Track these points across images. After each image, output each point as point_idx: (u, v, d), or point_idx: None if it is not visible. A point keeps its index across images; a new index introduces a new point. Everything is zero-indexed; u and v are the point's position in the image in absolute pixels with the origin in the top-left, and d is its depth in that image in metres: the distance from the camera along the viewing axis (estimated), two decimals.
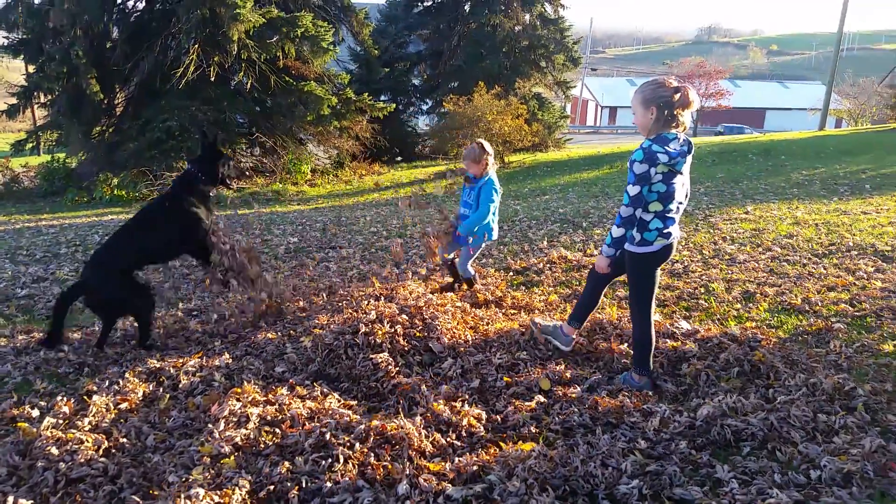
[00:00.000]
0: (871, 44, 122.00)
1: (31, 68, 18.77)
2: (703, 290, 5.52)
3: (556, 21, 28.02)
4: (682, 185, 3.57)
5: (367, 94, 19.78)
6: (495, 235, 5.48)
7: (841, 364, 3.88)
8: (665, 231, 3.55)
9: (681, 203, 3.61)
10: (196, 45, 15.93)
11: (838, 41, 30.62)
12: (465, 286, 5.62)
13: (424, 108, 29.58)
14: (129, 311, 4.68)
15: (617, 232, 3.57)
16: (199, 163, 4.99)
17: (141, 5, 18.34)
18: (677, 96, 3.39)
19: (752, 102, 59.91)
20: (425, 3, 28.77)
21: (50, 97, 17.66)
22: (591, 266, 6.34)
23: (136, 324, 4.72)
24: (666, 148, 3.39)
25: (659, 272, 3.75)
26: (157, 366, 4.08)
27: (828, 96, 31.08)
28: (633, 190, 3.44)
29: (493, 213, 5.32)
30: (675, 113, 3.41)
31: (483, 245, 5.63)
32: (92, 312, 4.96)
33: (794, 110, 56.81)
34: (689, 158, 3.54)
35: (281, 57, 17.12)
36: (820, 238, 7.10)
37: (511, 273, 6.37)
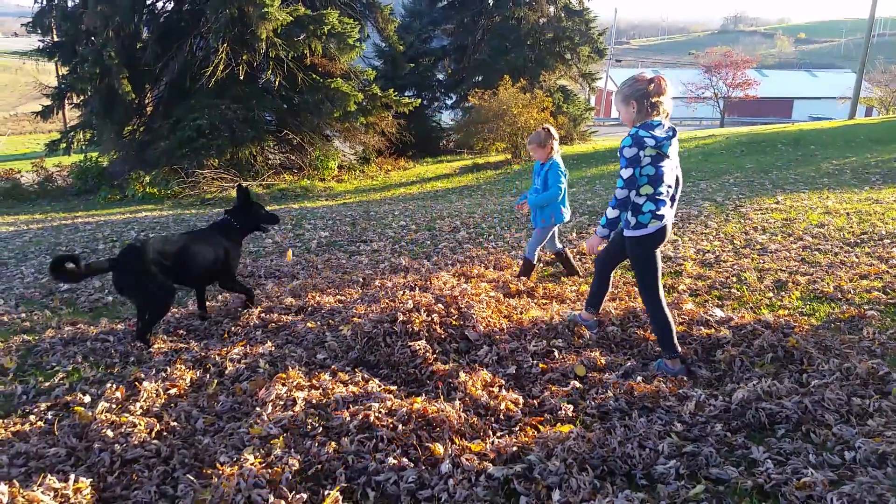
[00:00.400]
0: None
1: (65, 70, 19.19)
2: (735, 279, 5.54)
3: (581, 12, 27.86)
4: (671, 168, 3.75)
5: (392, 89, 19.92)
6: (567, 217, 5.66)
7: (874, 350, 3.90)
8: (658, 213, 3.72)
9: (670, 186, 3.78)
10: (225, 45, 16.16)
11: (870, 27, 30.08)
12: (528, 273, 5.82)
13: (449, 102, 29.61)
14: (147, 300, 4.72)
15: (612, 213, 3.76)
16: (234, 212, 5.43)
17: (170, 6, 18.64)
18: (652, 86, 3.64)
19: (779, 92, 59.01)
20: None
21: (83, 98, 18.04)
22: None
23: (147, 314, 4.78)
24: (652, 133, 3.60)
25: (659, 254, 3.88)
26: (203, 354, 4.22)
27: (858, 84, 30.57)
28: (625, 173, 3.64)
29: (563, 196, 5.54)
30: (654, 101, 3.65)
31: (555, 228, 5.74)
32: (118, 293, 5.33)
33: (823, 99, 55.87)
34: (675, 142, 3.76)
35: (308, 54, 17.31)
36: (851, 227, 7.07)
37: (542, 264, 6.43)
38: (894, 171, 11.33)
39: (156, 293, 4.69)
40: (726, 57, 45.83)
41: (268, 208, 6.06)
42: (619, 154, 3.66)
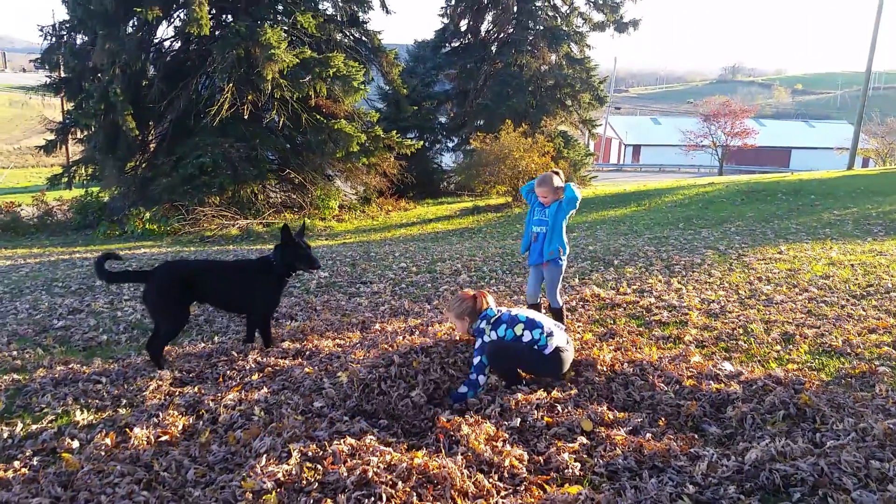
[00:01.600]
0: None
1: (70, 105, 19.32)
2: (741, 330, 5.44)
3: (582, 61, 28.28)
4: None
5: (394, 131, 20.06)
6: (568, 249, 5.55)
7: (888, 408, 3.78)
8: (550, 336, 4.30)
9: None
10: (231, 84, 16.31)
11: (867, 79, 30.49)
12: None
13: (451, 145, 29.85)
14: (159, 316, 4.98)
15: (462, 390, 4.17)
16: (275, 250, 5.24)
17: (177, 45, 18.87)
18: (476, 302, 4.41)
19: (777, 142, 59.58)
20: (453, 44, 29.22)
21: (87, 133, 18.17)
22: (621, 304, 6.31)
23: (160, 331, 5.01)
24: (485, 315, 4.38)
25: None
26: (196, 398, 4.10)
27: (856, 135, 30.86)
28: (476, 360, 4.23)
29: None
30: (477, 312, 4.40)
31: (565, 263, 5.54)
32: (143, 305, 5.56)
33: (819, 149, 56.38)
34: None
35: (313, 95, 17.47)
36: (857, 279, 6.99)
37: (544, 311, 6.32)
38: None
39: (167, 313, 4.92)
40: (725, 106, 46.40)
41: (268, 247, 6.03)
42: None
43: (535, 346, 4.22)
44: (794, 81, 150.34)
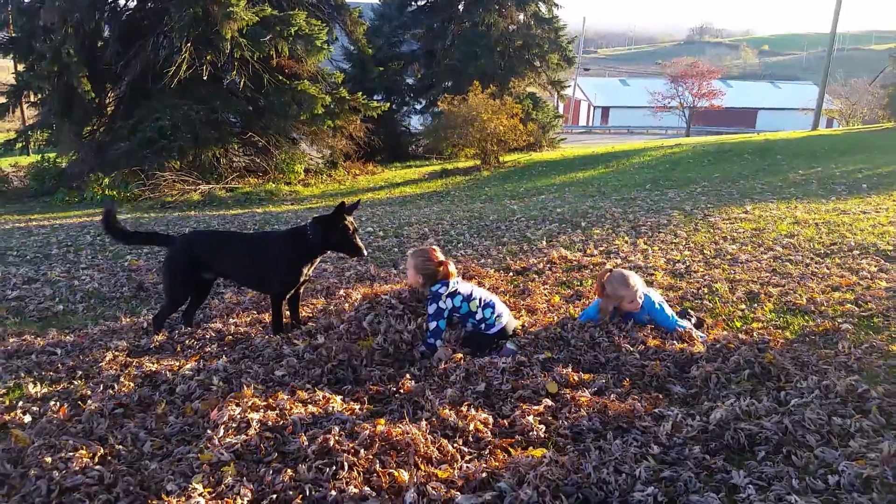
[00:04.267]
0: (861, 44, 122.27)
1: (21, 67, 18.59)
2: (706, 290, 5.45)
3: (551, 20, 27.99)
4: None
5: (360, 93, 19.69)
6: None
7: (851, 365, 3.81)
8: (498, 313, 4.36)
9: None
10: (188, 44, 15.79)
11: (832, 41, 30.69)
12: None
13: (418, 107, 29.45)
14: (165, 286, 5.03)
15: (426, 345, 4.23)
16: (315, 222, 4.57)
17: (133, 3, 18.20)
18: (440, 271, 4.34)
19: (744, 102, 59.97)
20: (419, 3, 28.69)
21: (40, 96, 17.52)
22: (588, 265, 6.29)
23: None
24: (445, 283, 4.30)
25: None
26: (154, 369, 3.98)
27: (821, 96, 31.16)
28: (432, 325, 4.23)
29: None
30: (438, 279, 4.33)
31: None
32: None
33: (785, 110, 56.90)
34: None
35: (274, 56, 17.02)
36: (821, 237, 7.05)
37: (511, 273, 6.28)
38: (859, 183, 11.44)
39: (172, 283, 4.89)
40: (692, 67, 46.51)
41: (231, 213, 5.78)
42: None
43: (482, 325, 4.31)
44: (762, 42, 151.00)
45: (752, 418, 3.18)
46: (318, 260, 4.91)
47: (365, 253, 4.71)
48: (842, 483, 2.67)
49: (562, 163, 20.78)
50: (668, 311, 4.46)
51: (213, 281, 5.16)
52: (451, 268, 4.41)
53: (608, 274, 4.48)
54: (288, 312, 4.83)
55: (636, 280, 4.44)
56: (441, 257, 4.43)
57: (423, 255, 4.44)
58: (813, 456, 2.89)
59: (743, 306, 5.04)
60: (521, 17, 28.03)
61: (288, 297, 4.78)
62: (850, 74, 45.83)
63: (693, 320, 4.59)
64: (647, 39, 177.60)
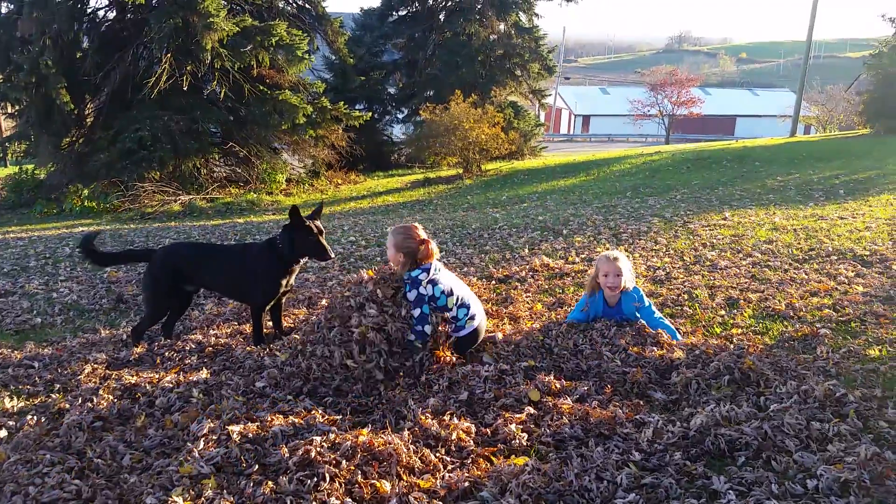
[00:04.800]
0: (836, 52, 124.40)
1: None
2: (686, 296, 5.49)
3: (531, 30, 28.13)
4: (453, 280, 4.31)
5: (342, 102, 19.72)
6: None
7: (829, 370, 3.86)
8: (471, 314, 4.22)
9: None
10: (168, 55, 15.74)
11: (808, 49, 31.15)
12: None
13: (400, 116, 29.48)
14: (145, 300, 5.00)
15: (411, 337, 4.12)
16: (283, 232, 4.60)
17: (112, 14, 18.10)
18: (421, 250, 4.17)
19: (722, 110, 60.58)
20: (400, 12, 28.73)
21: (18, 107, 17.34)
22: (570, 273, 6.32)
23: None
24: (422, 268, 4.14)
25: None
26: (133, 381, 3.94)
27: (798, 103, 31.58)
28: (416, 312, 4.10)
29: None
30: (418, 260, 4.17)
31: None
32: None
33: (763, 117, 57.58)
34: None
35: (255, 66, 16.99)
36: (799, 243, 7.13)
37: (493, 282, 6.29)
38: (836, 188, 11.59)
39: (152, 296, 4.85)
40: (671, 75, 47.00)
41: (212, 223, 5.75)
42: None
43: (453, 324, 4.22)
44: (739, 50, 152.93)
45: (732, 424, 3.20)
46: (298, 269, 4.86)
47: (331, 255, 4.62)
48: (820, 487, 2.69)
49: (543, 171, 20.87)
50: (656, 311, 4.50)
51: (193, 293, 5.13)
52: (433, 247, 4.24)
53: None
54: (270, 322, 4.82)
55: (624, 261, 4.51)
56: (423, 235, 4.24)
57: (403, 231, 4.25)
58: (792, 461, 2.91)
59: (723, 312, 5.08)
60: (502, 26, 28.16)
61: (270, 307, 4.77)
62: (827, 81, 46.44)
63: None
64: (627, 48, 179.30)
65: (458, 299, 4.19)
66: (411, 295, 4.09)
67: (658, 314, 4.59)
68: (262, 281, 4.61)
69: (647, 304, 4.51)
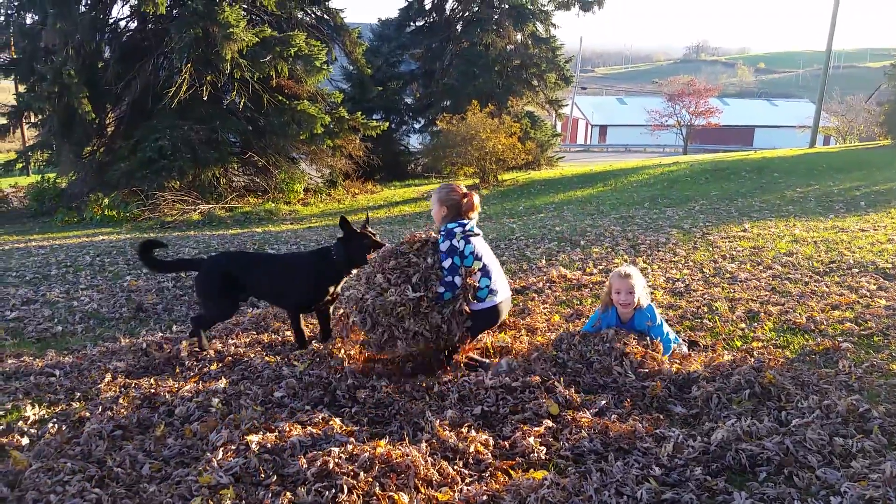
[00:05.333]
0: (856, 62, 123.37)
1: (23, 88, 18.70)
2: (706, 309, 5.45)
3: (548, 40, 28.15)
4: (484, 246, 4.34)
5: (359, 112, 19.78)
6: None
7: (852, 385, 3.81)
8: (493, 287, 4.24)
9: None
10: (189, 65, 15.90)
11: (827, 59, 30.92)
12: None
13: (417, 126, 29.53)
14: (202, 306, 5.13)
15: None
16: (338, 242, 4.77)
17: (133, 25, 18.33)
18: (465, 201, 4.30)
19: (741, 120, 60.25)
20: (417, 23, 28.85)
21: (41, 117, 17.59)
22: (588, 284, 6.29)
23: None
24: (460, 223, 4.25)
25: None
26: (153, 390, 3.97)
27: (818, 114, 31.32)
28: (446, 263, 4.14)
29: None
30: (461, 213, 4.29)
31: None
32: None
33: (782, 128, 57.16)
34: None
35: (274, 76, 17.11)
36: (820, 256, 7.06)
37: (510, 292, 6.27)
38: (857, 200, 11.48)
39: (208, 303, 5.00)
40: (689, 86, 46.79)
41: (231, 232, 5.85)
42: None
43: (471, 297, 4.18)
44: (757, 60, 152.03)
45: (753, 439, 3.17)
46: (345, 280, 4.95)
47: (387, 244, 4.64)
48: None
49: (560, 181, 20.84)
50: (667, 328, 4.47)
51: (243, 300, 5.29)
52: (476, 200, 4.37)
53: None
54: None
55: (637, 278, 4.46)
56: (465, 190, 4.39)
57: (447, 186, 4.44)
58: (815, 477, 2.88)
59: (743, 325, 5.04)
60: (519, 36, 28.21)
61: (317, 311, 5.02)
62: (846, 92, 46.08)
63: (685, 345, 4.57)
64: (644, 58, 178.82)
65: (484, 267, 4.23)
66: (444, 245, 4.16)
67: (670, 333, 4.51)
68: (312, 285, 4.80)
69: (658, 322, 4.46)
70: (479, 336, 4.50)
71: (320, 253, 4.92)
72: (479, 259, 4.21)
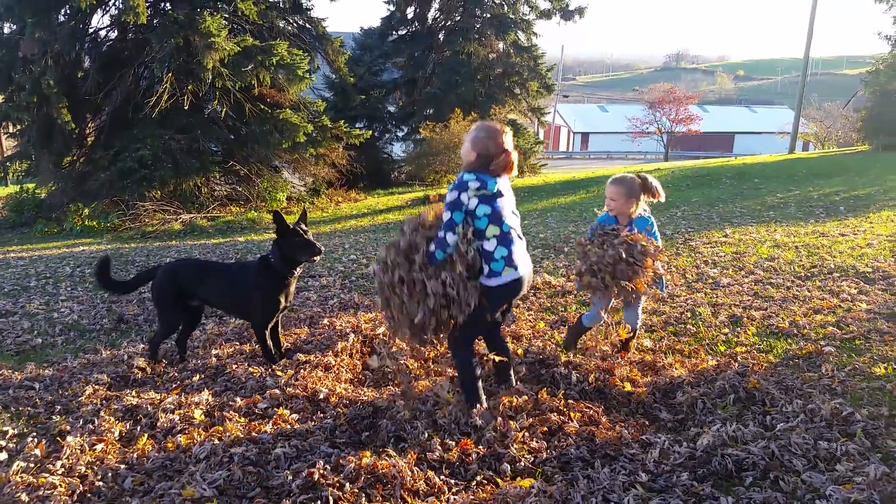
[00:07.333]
0: (833, 69, 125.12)
1: (0, 98, 18.47)
2: (689, 314, 5.47)
3: (530, 49, 28.30)
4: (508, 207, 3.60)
5: (342, 121, 19.72)
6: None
7: (835, 388, 3.83)
8: (511, 259, 3.53)
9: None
10: (170, 74, 15.79)
11: (805, 66, 31.29)
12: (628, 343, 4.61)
13: (400, 134, 29.54)
14: (159, 318, 4.95)
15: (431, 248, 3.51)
16: (273, 246, 4.50)
17: (113, 34, 18.17)
18: (494, 141, 3.52)
19: (721, 127, 60.81)
20: (400, 32, 28.90)
21: (20, 127, 17.38)
22: (572, 291, 6.29)
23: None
24: (478, 175, 3.48)
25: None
26: (134, 403, 3.91)
27: (797, 120, 31.68)
28: (445, 216, 3.47)
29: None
30: (490, 169, 3.51)
31: None
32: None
33: (762, 134, 57.75)
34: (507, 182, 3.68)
35: (256, 85, 17.03)
36: (801, 260, 7.12)
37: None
38: (836, 205, 11.61)
39: (163, 313, 4.85)
40: (669, 93, 47.12)
41: (213, 242, 5.73)
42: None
43: (482, 263, 3.53)
44: (737, 68, 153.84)
45: (738, 443, 3.18)
46: (294, 282, 4.67)
47: (320, 248, 4.40)
48: None
49: (543, 188, 20.89)
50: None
51: (201, 308, 5.11)
52: (514, 160, 3.60)
53: None
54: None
55: (626, 186, 4.33)
56: (509, 145, 3.59)
57: (488, 129, 3.61)
58: (800, 481, 2.89)
59: (726, 330, 5.07)
60: (501, 45, 28.35)
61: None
62: (825, 98, 46.71)
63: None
64: (625, 66, 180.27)
65: (502, 235, 3.52)
66: (451, 195, 3.46)
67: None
68: (260, 299, 4.50)
69: (654, 232, 4.44)
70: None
71: (262, 259, 4.58)
72: (497, 223, 3.50)
